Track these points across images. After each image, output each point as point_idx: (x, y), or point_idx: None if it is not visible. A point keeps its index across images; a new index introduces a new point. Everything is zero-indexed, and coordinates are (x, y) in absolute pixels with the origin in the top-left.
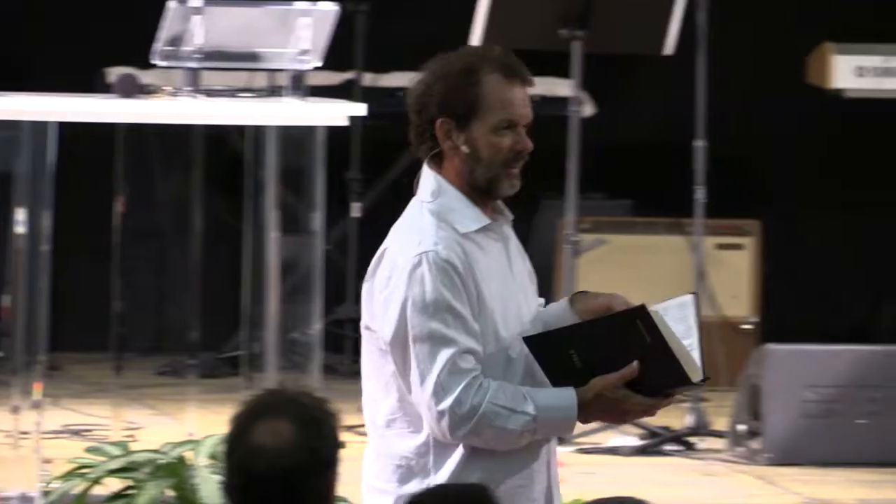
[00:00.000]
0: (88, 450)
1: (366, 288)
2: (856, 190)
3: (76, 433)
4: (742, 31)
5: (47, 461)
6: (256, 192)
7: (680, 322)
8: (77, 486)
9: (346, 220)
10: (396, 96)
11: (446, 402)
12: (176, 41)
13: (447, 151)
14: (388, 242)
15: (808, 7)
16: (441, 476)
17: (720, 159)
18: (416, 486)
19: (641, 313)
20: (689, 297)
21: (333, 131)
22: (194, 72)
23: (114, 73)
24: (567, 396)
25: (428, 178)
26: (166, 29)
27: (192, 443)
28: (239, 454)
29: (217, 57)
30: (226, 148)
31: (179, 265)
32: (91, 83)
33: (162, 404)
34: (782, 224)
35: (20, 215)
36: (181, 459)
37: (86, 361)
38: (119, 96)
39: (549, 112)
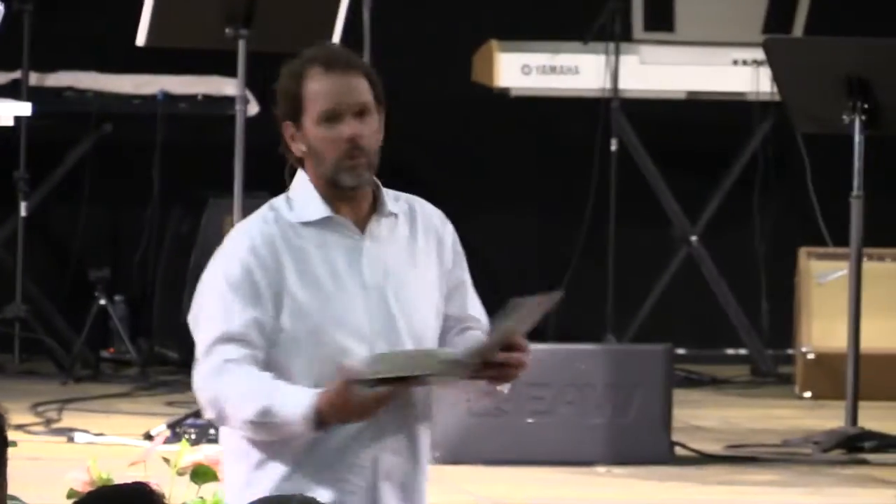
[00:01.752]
0: None
1: None
2: (518, 189)
3: None
4: (407, 29)
5: None
6: None
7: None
8: None
9: (14, 219)
10: (63, 96)
11: (196, 383)
12: None
13: (299, 154)
14: None
15: (473, 5)
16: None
17: (384, 160)
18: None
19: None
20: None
21: (0, 130)
22: None
23: None
24: (305, 396)
25: (296, 175)
26: None
27: None
28: None
29: None
30: None
31: None
32: None
33: None
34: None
35: None
36: None
37: None
38: None
39: (215, 111)
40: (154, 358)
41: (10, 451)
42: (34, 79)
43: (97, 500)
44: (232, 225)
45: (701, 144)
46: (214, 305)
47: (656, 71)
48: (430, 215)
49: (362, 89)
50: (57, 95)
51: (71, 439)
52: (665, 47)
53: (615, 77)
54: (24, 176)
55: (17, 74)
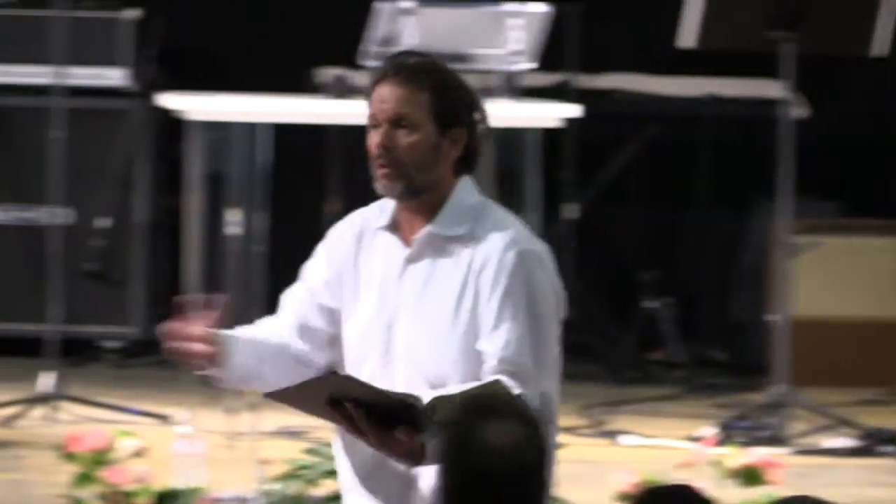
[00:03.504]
0: (305, 451)
1: None
2: None
3: (293, 434)
4: None
5: (264, 462)
6: None
7: None
8: (294, 488)
9: (561, 222)
10: (611, 98)
11: None
12: (386, 42)
13: None
14: None
15: None
16: None
17: None
18: None
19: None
20: None
21: (548, 131)
22: None
23: (323, 74)
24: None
25: None
26: (376, 30)
27: None
28: (472, 456)
29: None
30: None
31: None
32: (300, 83)
33: None
34: None
35: (233, 216)
36: None
37: None
38: (331, 97)
39: (762, 114)
40: (702, 360)
41: (558, 453)
42: (583, 80)
43: (642, 500)
44: (780, 228)
45: None
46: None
47: None
48: (489, 245)
49: (407, 101)
50: (605, 97)
51: (618, 442)
52: None
53: None
54: (571, 178)
55: (564, 76)
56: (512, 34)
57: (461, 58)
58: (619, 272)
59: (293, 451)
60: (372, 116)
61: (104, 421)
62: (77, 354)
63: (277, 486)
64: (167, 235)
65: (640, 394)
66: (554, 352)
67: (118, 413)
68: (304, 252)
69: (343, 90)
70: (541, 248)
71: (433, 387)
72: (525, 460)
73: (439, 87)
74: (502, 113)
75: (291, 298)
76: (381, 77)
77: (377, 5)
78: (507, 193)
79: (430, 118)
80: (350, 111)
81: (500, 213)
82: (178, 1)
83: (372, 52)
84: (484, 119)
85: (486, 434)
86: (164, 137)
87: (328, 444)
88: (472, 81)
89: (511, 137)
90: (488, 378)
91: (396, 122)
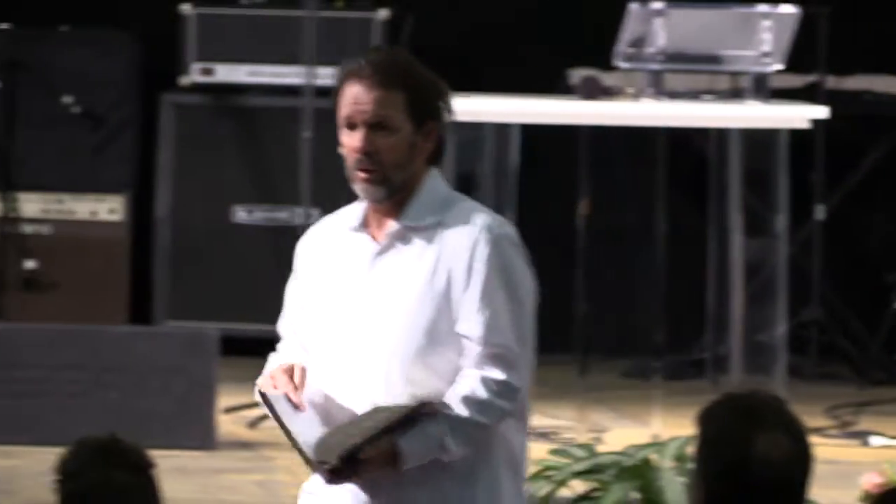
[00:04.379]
0: (553, 452)
1: None
2: None
3: (542, 435)
4: None
5: None
6: (720, 193)
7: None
8: (543, 489)
9: (809, 223)
10: (860, 99)
11: None
12: (638, 43)
13: None
14: None
15: None
16: None
17: None
18: None
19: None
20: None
21: (796, 133)
22: (657, 74)
23: (576, 75)
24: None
25: None
26: (628, 31)
27: (657, 445)
28: (741, 468)
29: (678, 59)
30: (689, 149)
31: (643, 266)
32: (553, 85)
33: (626, 406)
34: None
35: None
36: (646, 461)
37: (550, 363)
38: (582, 98)
39: None
40: None
41: None
42: (832, 82)
43: (883, 499)
44: None
45: None
46: None
47: None
48: (461, 231)
49: (385, 103)
50: (854, 98)
51: (865, 442)
52: None
53: None
54: (820, 179)
55: (813, 77)
56: (762, 35)
57: (711, 59)
58: (867, 274)
59: (541, 452)
60: (347, 118)
61: None
62: None
63: (526, 487)
64: None
65: (886, 395)
66: (532, 333)
67: None
68: (552, 254)
69: (593, 91)
70: (513, 231)
71: (405, 378)
72: (792, 473)
73: (413, 85)
74: (751, 114)
75: (286, 328)
76: (351, 75)
77: (630, 6)
78: (756, 194)
79: (407, 117)
80: (599, 112)
81: (468, 202)
82: (429, 0)
83: (622, 54)
84: (449, 108)
85: (758, 446)
86: None
87: (577, 445)
88: (721, 83)
89: (760, 139)
90: (474, 363)
91: (376, 124)
